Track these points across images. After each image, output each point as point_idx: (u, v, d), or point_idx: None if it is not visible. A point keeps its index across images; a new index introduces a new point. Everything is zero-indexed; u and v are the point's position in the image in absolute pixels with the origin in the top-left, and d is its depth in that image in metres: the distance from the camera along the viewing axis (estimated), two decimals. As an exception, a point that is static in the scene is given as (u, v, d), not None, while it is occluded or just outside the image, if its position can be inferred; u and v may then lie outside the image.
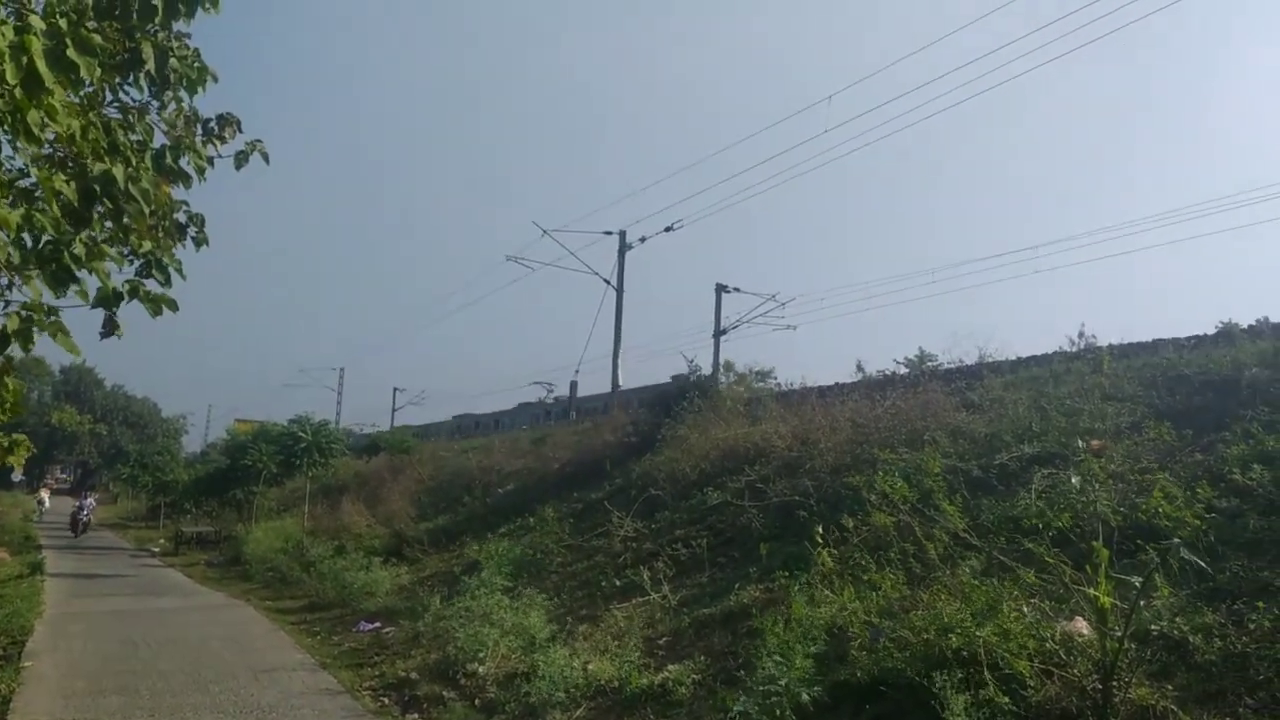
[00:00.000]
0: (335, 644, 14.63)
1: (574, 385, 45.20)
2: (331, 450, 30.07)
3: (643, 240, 37.02)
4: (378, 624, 15.53)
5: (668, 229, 36.10)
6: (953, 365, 18.17)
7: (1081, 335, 17.30)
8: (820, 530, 10.54)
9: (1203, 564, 6.29)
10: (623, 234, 37.10)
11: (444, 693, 10.70)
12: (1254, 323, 15.68)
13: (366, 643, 14.43)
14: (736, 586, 11.32)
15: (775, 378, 24.08)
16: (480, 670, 10.94)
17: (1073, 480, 7.89)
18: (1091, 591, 6.23)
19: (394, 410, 77.85)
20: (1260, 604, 6.98)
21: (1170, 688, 6.42)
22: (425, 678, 11.44)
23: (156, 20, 5.99)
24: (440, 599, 14.39)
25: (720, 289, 40.10)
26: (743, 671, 8.73)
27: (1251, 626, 6.80)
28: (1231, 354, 13.06)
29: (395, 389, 78.09)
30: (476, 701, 10.27)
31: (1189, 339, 15.60)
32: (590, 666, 10.09)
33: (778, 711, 7.52)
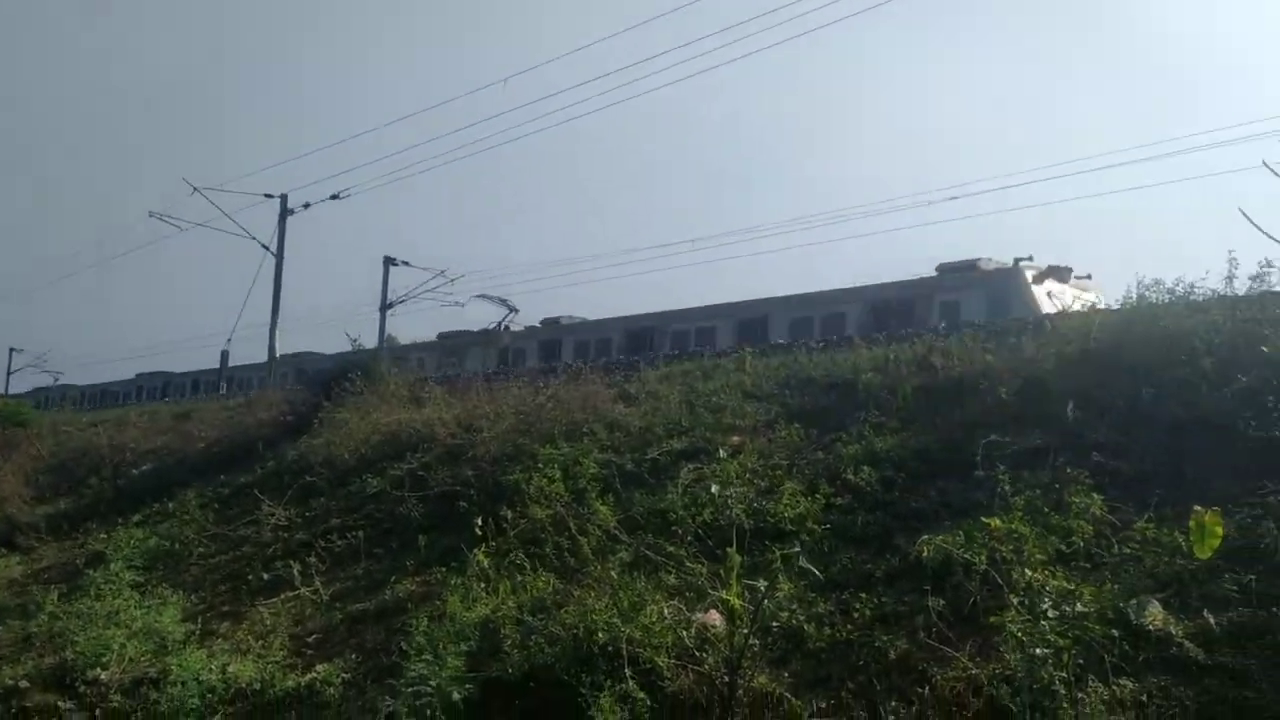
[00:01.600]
0: (-76, 651, 12.88)
1: (225, 355, 42.43)
2: (-73, 423, 26.22)
3: (307, 206, 35.35)
4: (-21, 626, 13.83)
5: (334, 196, 34.75)
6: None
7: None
8: (480, 522, 10.65)
9: (814, 570, 7.02)
10: (284, 198, 35.25)
11: (59, 703, 9.84)
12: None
13: (-35, 649, 12.82)
14: (393, 580, 11.18)
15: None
16: (103, 676, 10.10)
17: (712, 489, 8.55)
18: (723, 594, 6.80)
19: (9, 373, 69.24)
20: (864, 595, 7.91)
21: (787, 675, 7.14)
22: (37, 686, 10.42)
23: None
24: (58, 596, 13.06)
25: (388, 262, 39.17)
26: (394, 672, 8.67)
27: (855, 615, 7.69)
28: (852, 359, 14.56)
29: (11, 349, 69.56)
30: (98, 711, 9.54)
31: (819, 342, 17.23)
32: (230, 668, 9.61)
33: (428, 712, 7.56)
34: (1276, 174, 9.20)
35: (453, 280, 38.70)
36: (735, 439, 12.13)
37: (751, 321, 27.92)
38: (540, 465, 11.83)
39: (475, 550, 9.97)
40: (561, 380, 16.87)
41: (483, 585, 9.58)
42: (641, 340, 30.33)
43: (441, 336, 39.84)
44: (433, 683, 7.70)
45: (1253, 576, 6.69)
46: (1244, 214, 9.78)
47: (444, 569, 10.43)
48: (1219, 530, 6.62)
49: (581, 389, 15.65)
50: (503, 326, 36.12)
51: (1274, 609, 6.38)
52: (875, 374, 13.52)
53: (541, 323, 35.89)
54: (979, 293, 24.42)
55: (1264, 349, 9.77)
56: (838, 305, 26.50)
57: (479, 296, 36.12)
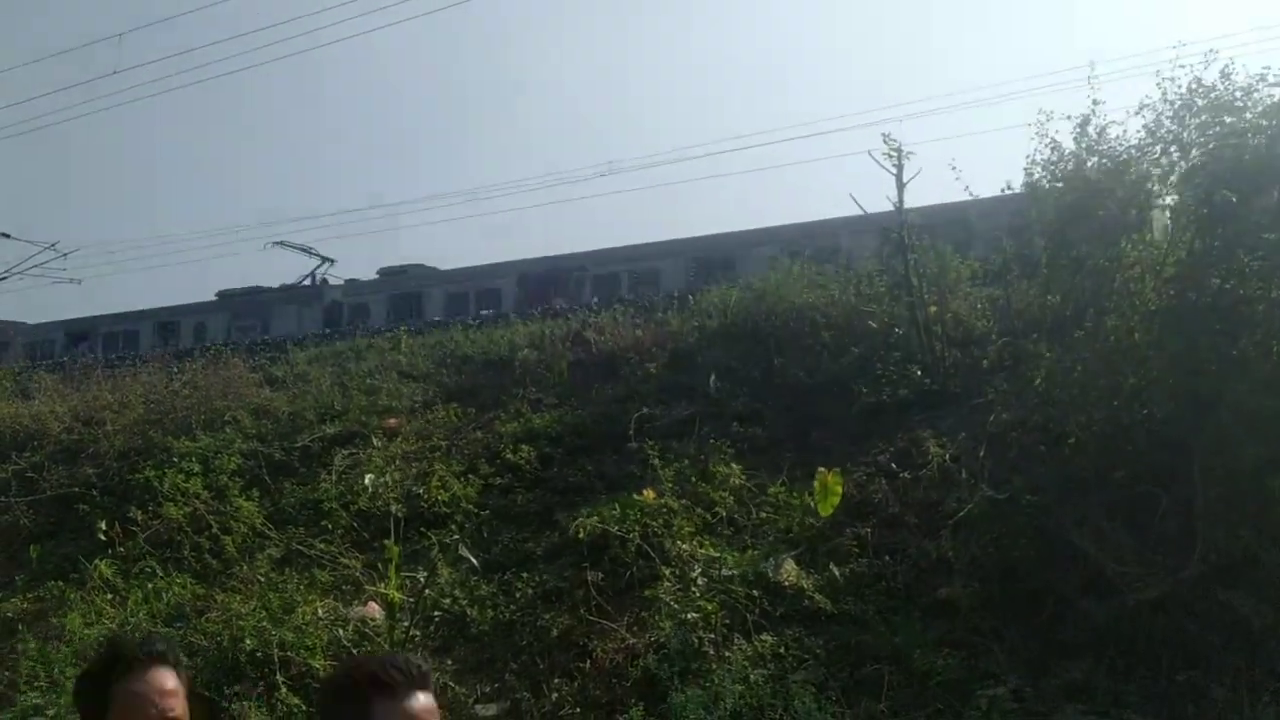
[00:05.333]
0: None
1: None
2: None
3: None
4: None
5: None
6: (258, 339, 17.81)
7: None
8: (104, 527, 9.66)
9: (472, 559, 6.93)
10: None
11: None
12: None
13: None
14: (1, 598, 9.85)
15: None
16: None
17: (366, 479, 8.24)
18: (382, 588, 6.57)
19: None
20: (525, 573, 7.95)
21: (450, 662, 7.04)
22: None
23: None
24: None
25: (-21, 233, 34.26)
26: (4, 702, 7.65)
27: (518, 595, 7.72)
28: (508, 335, 14.61)
29: None
30: None
31: (477, 319, 17.17)
32: None
33: (45, 746, 6.74)
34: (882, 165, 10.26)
35: (65, 255, 34.56)
36: (392, 421, 11.79)
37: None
38: (176, 460, 10.87)
39: (97, 561, 8.97)
40: (199, 364, 15.57)
41: (109, 597, 8.65)
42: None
43: (223, 295, 30.12)
44: (50, 712, 6.88)
45: (868, 529, 7.45)
46: (854, 199, 10.85)
47: (61, 582, 9.32)
48: (839, 489, 7.33)
49: (222, 373, 14.55)
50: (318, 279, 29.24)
51: (886, 558, 7.14)
52: (532, 350, 13.65)
53: (381, 273, 28.02)
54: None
55: (872, 323, 10.90)
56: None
57: (278, 244, 28.42)
